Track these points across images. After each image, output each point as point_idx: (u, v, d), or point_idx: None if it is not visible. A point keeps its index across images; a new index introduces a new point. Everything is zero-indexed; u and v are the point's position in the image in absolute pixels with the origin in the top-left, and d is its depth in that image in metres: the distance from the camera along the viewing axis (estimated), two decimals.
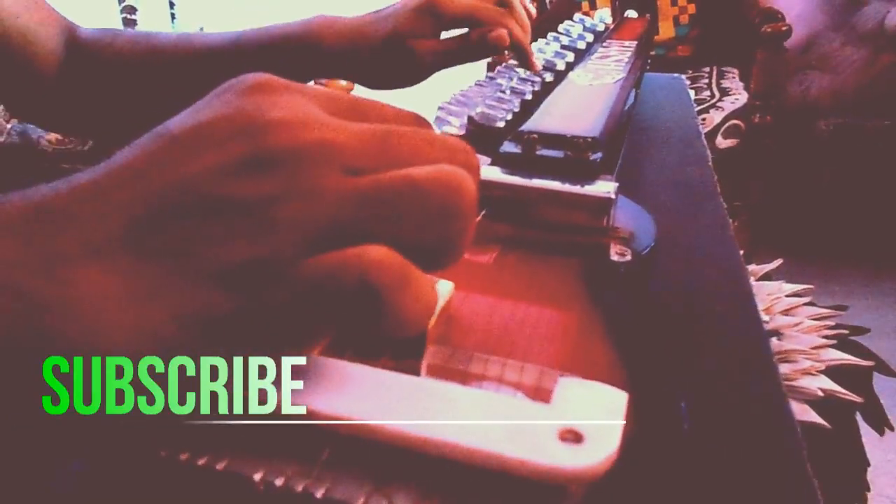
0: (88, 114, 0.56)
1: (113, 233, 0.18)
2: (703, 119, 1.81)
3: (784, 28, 1.81)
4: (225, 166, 0.19)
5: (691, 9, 2.16)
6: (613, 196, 0.34)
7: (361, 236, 0.19)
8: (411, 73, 0.54)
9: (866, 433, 0.97)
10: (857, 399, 0.90)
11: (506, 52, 0.55)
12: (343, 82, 1.49)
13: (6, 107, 0.55)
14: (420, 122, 0.24)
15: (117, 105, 0.55)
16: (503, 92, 0.48)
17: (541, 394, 0.21)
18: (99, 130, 0.58)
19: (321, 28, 0.53)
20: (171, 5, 2.39)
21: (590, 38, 0.69)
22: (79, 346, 0.17)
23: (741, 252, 0.48)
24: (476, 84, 0.51)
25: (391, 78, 0.55)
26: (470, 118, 0.44)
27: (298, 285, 0.18)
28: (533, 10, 0.58)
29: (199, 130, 0.20)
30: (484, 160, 0.38)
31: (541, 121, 0.41)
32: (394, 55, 0.52)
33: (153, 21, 2.36)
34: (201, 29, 2.54)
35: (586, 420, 0.18)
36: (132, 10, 2.27)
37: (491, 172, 0.36)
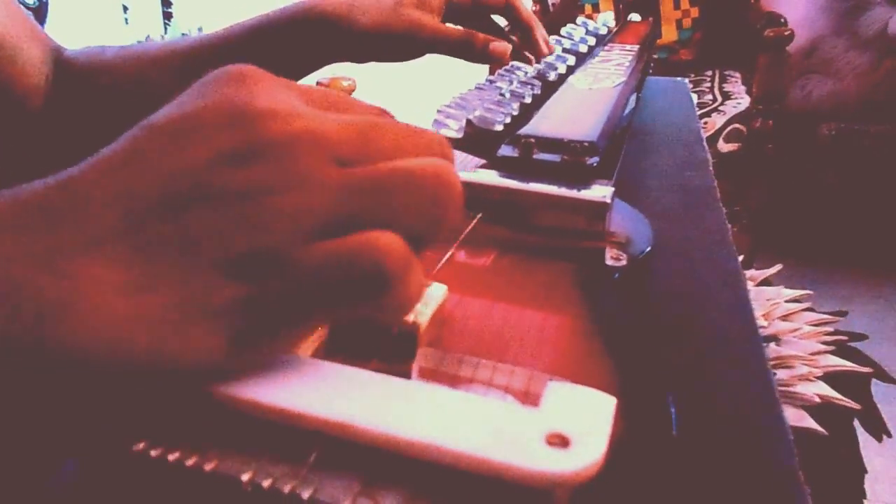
0: (76, 130, 0.55)
1: (110, 224, 0.19)
2: (705, 123, 1.81)
3: (786, 32, 1.81)
4: (218, 156, 0.19)
5: (694, 12, 2.16)
6: (609, 201, 0.34)
7: (359, 224, 0.19)
8: (406, 47, 0.53)
9: (864, 440, 0.97)
10: (855, 406, 0.90)
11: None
12: (345, 83, 1.49)
13: None
14: (386, 114, 0.25)
15: (112, 121, 0.54)
16: (502, 95, 0.48)
17: (530, 398, 0.21)
18: (86, 148, 0.55)
19: (308, 3, 0.53)
20: (169, 4, 2.40)
21: (592, 41, 0.69)
22: (80, 338, 0.17)
23: (741, 257, 0.48)
24: (475, 87, 0.51)
25: (386, 51, 0.54)
26: (468, 121, 0.44)
27: (305, 271, 0.19)
28: (545, 50, 0.58)
29: (187, 121, 0.20)
30: (481, 163, 0.38)
31: (538, 125, 0.41)
32: (394, 24, 0.52)
33: (145, 20, 2.36)
34: (200, 30, 2.54)
35: (574, 424, 0.19)
36: (123, 8, 2.27)
37: (488, 176, 0.36)
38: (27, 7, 1.94)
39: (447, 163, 0.21)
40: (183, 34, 2.49)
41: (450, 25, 0.55)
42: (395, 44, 0.53)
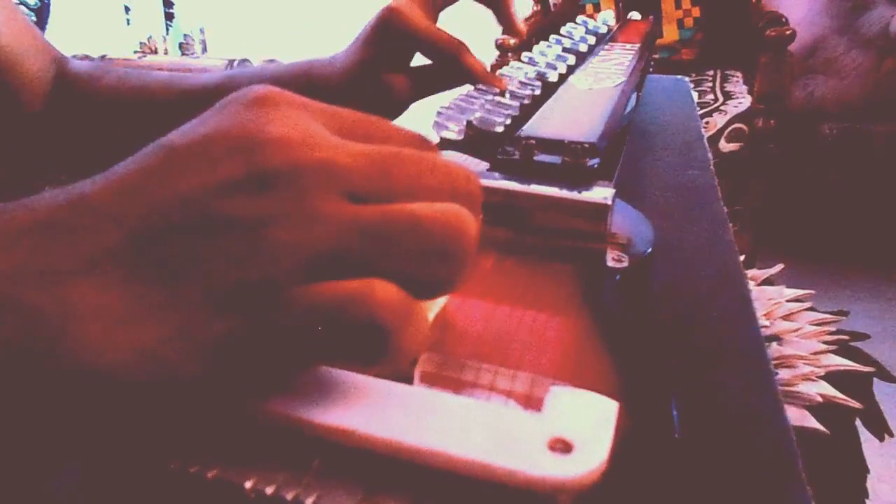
0: (70, 147, 0.55)
1: (110, 248, 0.18)
2: (707, 122, 1.80)
3: (788, 32, 1.81)
4: (221, 184, 0.19)
5: (695, 12, 2.16)
6: (610, 202, 0.34)
7: (359, 267, 0.19)
8: (384, 106, 0.51)
9: (866, 439, 0.97)
10: (857, 405, 0.90)
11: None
12: None
13: None
14: (424, 143, 0.23)
15: (101, 140, 0.54)
16: (503, 96, 0.48)
17: (532, 402, 0.21)
18: (79, 165, 0.55)
19: (301, 69, 0.52)
20: (170, 5, 2.40)
21: (592, 40, 0.69)
22: (74, 363, 0.17)
23: (742, 257, 0.48)
24: (476, 88, 0.50)
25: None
26: (469, 123, 0.43)
27: (298, 311, 0.18)
28: (523, 28, 0.56)
29: (198, 145, 0.20)
30: (482, 165, 0.38)
31: (539, 126, 0.41)
32: (360, 88, 0.51)
33: (147, 21, 2.37)
34: (201, 31, 2.54)
35: (576, 429, 0.18)
36: (125, 9, 2.28)
37: (488, 178, 0.36)
38: (28, 8, 1.95)
39: (464, 212, 0.20)
40: (185, 35, 2.49)
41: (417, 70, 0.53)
42: (381, 109, 0.51)
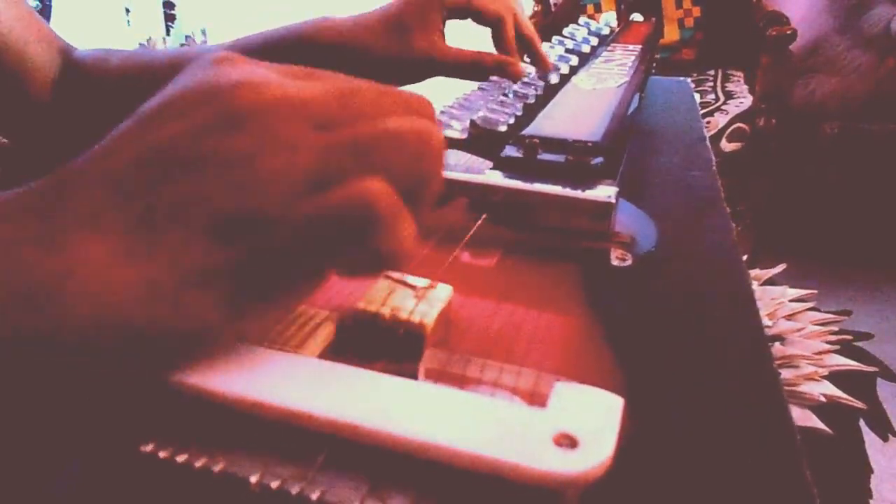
0: (85, 135, 0.55)
1: (103, 199, 0.19)
2: (708, 122, 1.80)
3: (789, 31, 1.81)
4: (197, 128, 0.20)
5: (696, 12, 2.15)
6: (614, 201, 0.34)
7: (344, 181, 0.20)
8: (416, 73, 0.53)
9: (870, 439, 0.96)
10: (861, 405, 0.90)
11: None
12: None
13: None
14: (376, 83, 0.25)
15: (110, 124, 0.54)
16: (506, 95, 0.48)
17: (537, 398, 0.21)
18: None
19: (318, 24, 0.53)
20: (171, 7, 2.40)
21: (594, 41, 0.69)
22: (86, 309, 0.18)
23: (745, 256, 0.48)
24: (479, 88, 0.50)
25: (394, 76, 0.53)
26: (472, 122, 0.44)
27: (293, 227, 0.19)
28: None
29: (168, 103, 0.21)
30: (486, 164, 0.38)
31: (542, 125, 0.41)
32: (406, 53, 0.52)
33: (147, 22, 2.37)
34: (203, 30, 2.54)
35: (582, 425, 0.18)
36: (126, 11, 2.28)
37: (492, 176, 0.36)
38: None
39: (427, 121, 0.22)
40: (186, 36, 2.49)
41: (457, 48, 0.55)
42: (406, 70, 0.53)
